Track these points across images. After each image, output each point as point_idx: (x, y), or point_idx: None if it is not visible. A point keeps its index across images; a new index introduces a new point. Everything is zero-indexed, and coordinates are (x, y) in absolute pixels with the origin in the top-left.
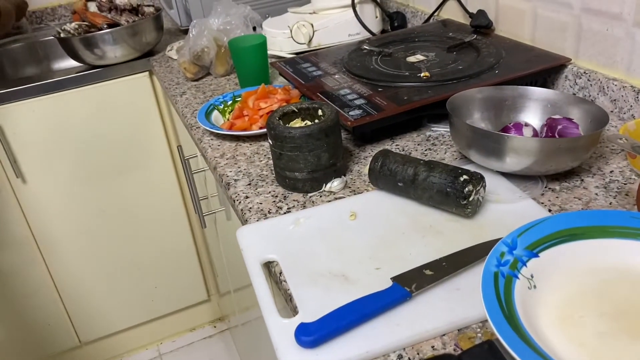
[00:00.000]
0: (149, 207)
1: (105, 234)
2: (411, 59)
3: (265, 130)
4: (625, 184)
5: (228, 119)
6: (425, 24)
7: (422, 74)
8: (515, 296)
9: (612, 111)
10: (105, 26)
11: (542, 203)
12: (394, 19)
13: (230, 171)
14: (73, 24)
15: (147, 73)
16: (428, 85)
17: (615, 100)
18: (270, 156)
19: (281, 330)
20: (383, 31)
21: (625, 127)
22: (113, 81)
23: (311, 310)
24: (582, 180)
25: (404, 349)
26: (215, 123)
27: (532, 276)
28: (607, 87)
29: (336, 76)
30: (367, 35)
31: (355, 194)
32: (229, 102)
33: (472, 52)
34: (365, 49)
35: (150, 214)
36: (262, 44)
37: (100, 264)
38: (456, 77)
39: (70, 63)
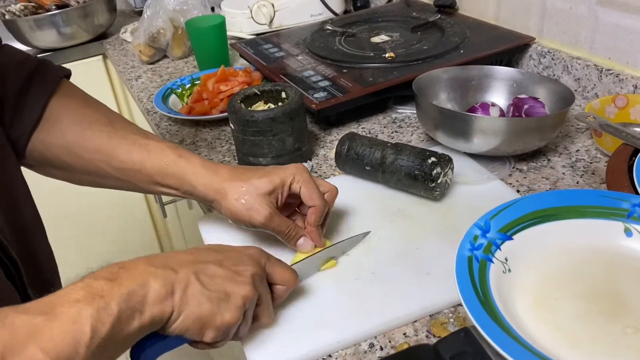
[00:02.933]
0: (106, 199)
1: (62, 227)
2: (375, 39)
3: (226, 114)
4: (591, 162)
5: (187, 103)
6: (388, 3)
7: (387, 55)
8: (491, 281)
9: (576, 90)
10: (53, 7)
11: (510, 184)
12: None
13: None
14: (18, 5)
15: (100, 57)
16: (393, 66)
17: (579, 79)
18: (233, 141)
19: None
20: (346, 11)
21: (590, 105)
22: (64, 65)
23: None
24: (549, 160)
25: (376, 337)
26: (173, 108)
27: (506, 259)
28: (571, 66)
29: (299, 57)
30: (330, 15)
31: (321, 179)
32: (187, 86)
33: (437, 32)
34: (329, 29)
35: (108, 205)
36: (221, 25)
37: (57, 257)
38: (421, 57)
39: (17, 47)
